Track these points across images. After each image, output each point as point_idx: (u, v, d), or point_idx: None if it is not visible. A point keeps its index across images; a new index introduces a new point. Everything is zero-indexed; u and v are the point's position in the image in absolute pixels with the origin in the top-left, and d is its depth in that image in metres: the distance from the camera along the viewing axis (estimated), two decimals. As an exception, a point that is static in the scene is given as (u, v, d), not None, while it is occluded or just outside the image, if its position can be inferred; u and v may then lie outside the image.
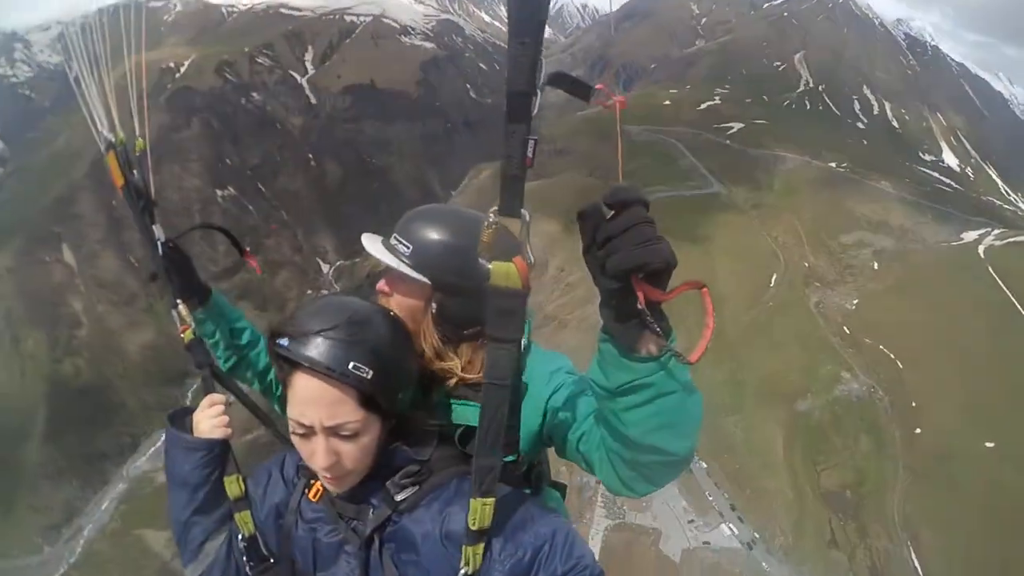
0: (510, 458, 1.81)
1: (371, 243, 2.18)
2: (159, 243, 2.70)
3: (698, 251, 71.79)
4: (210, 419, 2.22)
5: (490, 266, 1.43)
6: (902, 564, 45.33)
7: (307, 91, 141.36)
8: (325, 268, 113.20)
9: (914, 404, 53.93)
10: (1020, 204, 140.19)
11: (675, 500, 47.67)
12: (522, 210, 1.37)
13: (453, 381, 2.06)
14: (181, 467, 2.13)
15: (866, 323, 62.88)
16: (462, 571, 1.59)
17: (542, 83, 1.25)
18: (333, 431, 1.63)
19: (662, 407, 1.48)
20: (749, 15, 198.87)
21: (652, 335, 1.38)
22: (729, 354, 56.97)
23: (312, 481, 1.90)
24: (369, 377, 1.60)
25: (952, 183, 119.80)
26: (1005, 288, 65.15)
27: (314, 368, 1.58)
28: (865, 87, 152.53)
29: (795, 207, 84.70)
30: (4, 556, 63.86)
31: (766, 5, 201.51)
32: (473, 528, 1.56)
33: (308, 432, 1.65)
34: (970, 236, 79.34)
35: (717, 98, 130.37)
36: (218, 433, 2.19)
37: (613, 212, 1.30)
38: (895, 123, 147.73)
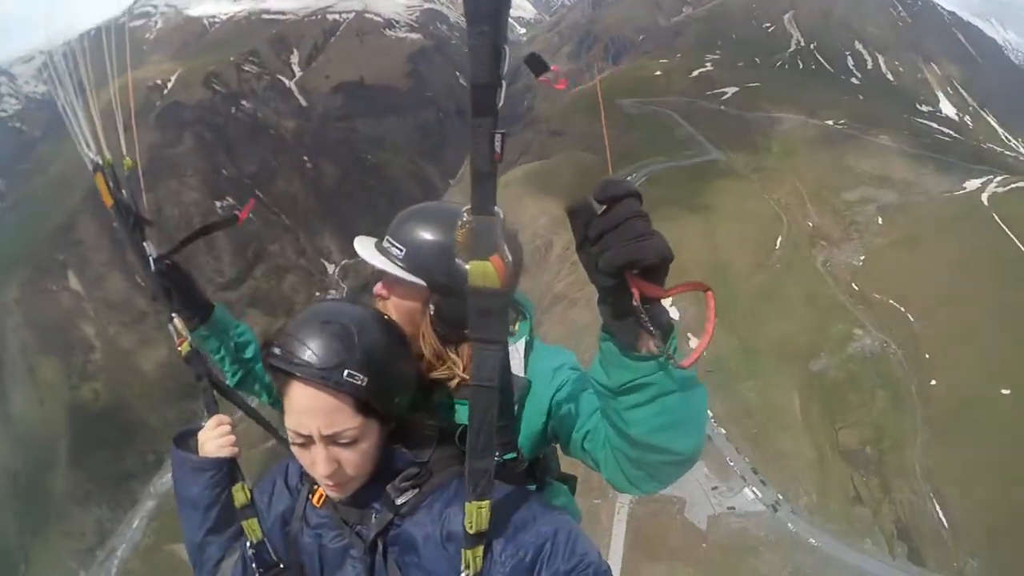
0: (510, 456, 1.81)
1: (364, 247, 2.14)
2: (151, 259, 2.71)
3: (700, 219, 71.69)
4: (216, 439, 2.21)
5: (467, 267, 1.40)
6: (927, 516, 45.40)
7: (296, 94, 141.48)
8: (330, 268, 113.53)
9: (928, 356, 53.83)
10: (1021, 150, 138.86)
11: (697, 468, 47.11)
12: (495, 207, 1.34)
13: (455, 382, 2.04)
14: (190, 489, 2.13)
15: (874, 279, 62.73)
16: (463, 574, 1.57)
17: (505, 72, 1.19)
18: (332, 439, 1.62)
19: (664, 406, 1.45)
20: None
21: (647, 333, 1.35)
22: (740, 319, 56.93)
23: (315, 487, 1.87)
24: (364, 384, 1.58)
25: (951, 133, 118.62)
26: (1011, 234, 64.75)
27: (308, 377, 1.56)
28: (857, 42, 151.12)
29: (795, 168, 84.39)
30: (42, 584, 64.93)
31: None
32: (470, 532, 1.54)
33: (307, 441, 1.64)
34: (973, 185, 78.79)
35: (708, 64, 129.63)
36: (225, 452, 2.18)
37: (604, 207, 1.26)
38: (890, 76, 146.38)
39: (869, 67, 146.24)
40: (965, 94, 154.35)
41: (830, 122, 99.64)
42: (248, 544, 1.99)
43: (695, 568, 43.31)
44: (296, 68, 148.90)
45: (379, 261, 2.05)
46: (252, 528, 1.99)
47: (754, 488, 47.68)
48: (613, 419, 1.59)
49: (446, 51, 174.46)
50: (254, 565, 1.96)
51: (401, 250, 2.01)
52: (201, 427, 2.30)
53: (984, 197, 73.58)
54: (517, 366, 2.08)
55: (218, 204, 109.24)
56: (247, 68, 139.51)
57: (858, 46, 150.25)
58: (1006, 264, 60.78)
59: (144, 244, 2.71)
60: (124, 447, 77.46)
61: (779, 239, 70.54)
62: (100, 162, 2.63)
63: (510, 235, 1.98)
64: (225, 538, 2.10)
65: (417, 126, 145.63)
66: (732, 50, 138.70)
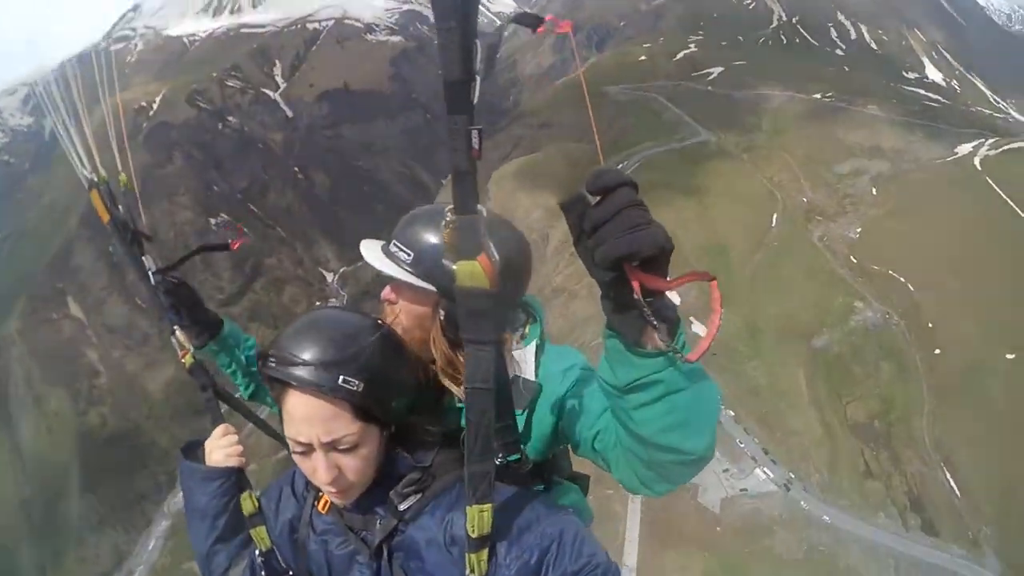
0: (513, 457, 1.79)
1: (370, 252, 2.11)
2: (151, 273, 2.73)
3: (695, 202, 71.64)
4: (223, 448, 2.24)
5: (455, 267, 1.38)
6: (939, 486, 45.54)
7: (282, 105, 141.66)
8: (329, 277, 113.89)
9: (930, 325, 53.80)
10: (1011, 111, 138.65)
11: (708, 451, 47.77)
12: (479, 206, 1.32)
13: (458, 379, 1.98)
14: (198, 498, 2.14)
15: (872, 250, 62.67)
16: None
17: (480, 67, 1.17)
18: (331, 446, 1.62)
19: (673, 404, 1.41)
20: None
21: (651, 328, 1.30)
22: (741, 299, 56.88)
23: (320, 494, 1.88)
24: (359, 389, 1.58)
25: (939, 98, 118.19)
26: (1006, 197, 64.59)
27: (304, 385, 1.56)
28: (839, 13, 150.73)
29: (786, 144, 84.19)
30: (62, 612, 65.15)
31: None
32: (473, 536, 1.53)
33: (307, 449, 1.64)
34: (964, 149, 78.41)
35: (692, 46, 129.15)
36: (232, 461, 2.20)
37: (599, 198, 1.22)
38: (874, 45, 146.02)
39: (853, 37, 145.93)
40: (950, 58, 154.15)
41: (817, 96, 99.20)
42: (257, 552, 2.00)
43: (711, 552, 43.45)
44: (279, 80, 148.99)
45: (386, 266, 2.02)
46: (261, 536, 2.00)
47: (765, 468, 47.78)
48: (622, 419, 1.56)
49: (428, 52, 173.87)
50: (263, 573, 1.98)
51: (409, 254, 1.98)
52: (206, 438, 2.34)
53: (976, 161, 73.35)
54: (529, 370, 2.07)
55: (212, 221, 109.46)
56: (230, 83, 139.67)
57: (840, 17, 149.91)
58: (1003, 227, 60.65)
59: (143, 259, 2.74)
60: (135, 470, 77.67)
61: (775, 217, 70.46)
62: (95, 179, 2.65)
63: (516, 235, 2.15)
64: (233, 546, 2.11)
65: (405, 129, 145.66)
66: (714, 30, 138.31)
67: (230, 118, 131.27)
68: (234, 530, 2.10)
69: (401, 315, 2.06)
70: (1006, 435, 45.31)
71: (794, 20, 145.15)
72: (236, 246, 3.15)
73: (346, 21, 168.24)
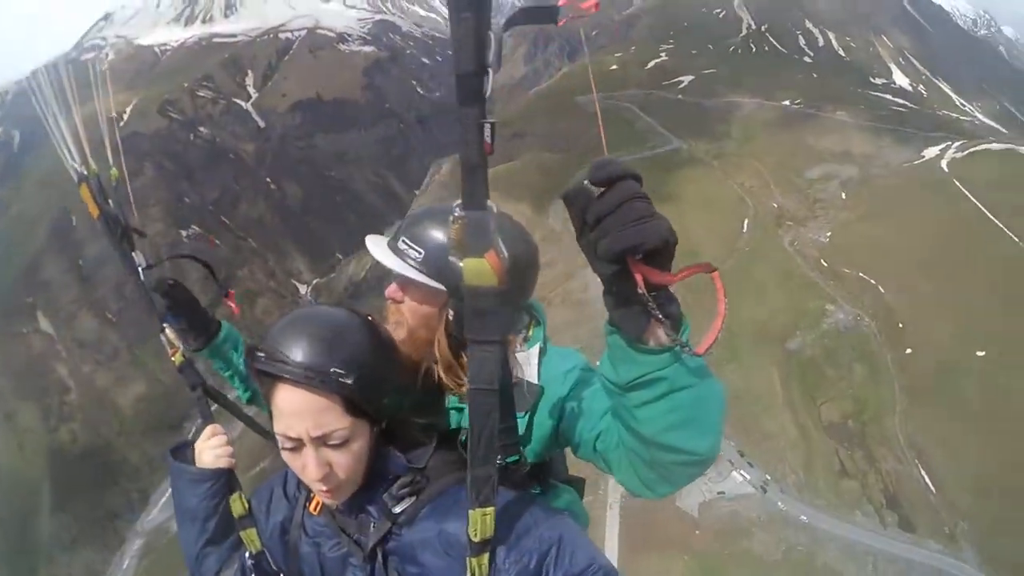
0: (512, 459, 1.78)
1: (379, 249, 2.06)
2: (140, 269, 2.71)
3: (668, 209, 71.03)
4: (212, 449, 2.20)
5: (461, 264, 1.35)
6: (914, 483, 45.98)
7: (254, 116, 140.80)
8: (302, 289, 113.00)
9: (901, 325, 54.47)
10: (976, 114, 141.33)
11: (685, 456, 47.97)
12: (488, 202, 1.29)
13: (466, 387, 1.86)
14: (188, 500, 2.12)
15: (842, 254, 63.40)
16: None
17: (493, 60, 1.14)
18: (321, 440, 1.59)
19: (677, 403, 1.39)
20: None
21: (657, 322, 1.29)
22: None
23: (312, 495, 1.85)
24: (351, 381, 1.55)
25: (906, 103, 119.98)
26: (972, 198, 65.64)
27: (294, 378, 1.54)
28: (807, 21, 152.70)
29: (756, 151, 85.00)
30: (34, 635, 63.95)
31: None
32: (475, 540, 1.49)
33: (297, 445, 1.61)
34: (932, 152, 79.61)
35: (663, 55, 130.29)
36: (222, 463, 2.16)
37: (602, 190, 1.21)
38: (842, 52, 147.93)
39: (821, 45, 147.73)
40: (917, 63, 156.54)
41: (786, 102, 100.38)
42: (247, 554, 1.96)
43: (690, 555, 43.51)
44: (251, 90, 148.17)
45: (396, 264, 1.98)
46: (251, 538, 1.97)
47: (742, 471, 47.95)
48: (624, 418, 1.53)
49: (401, 61, 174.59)
50: (254, 575, 1.94)
51: (419, 252, 1.94)
52: (195, 439, 2.29)
53: (944, 164, 74.45)
54: (532, 372, 2.05)
55: (184, 233, 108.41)
56: (202, 94, 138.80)
57: (808, 25, 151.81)
58: (971, 227, 61.58)
59: (133, 255, 2.71)
60: (107, 487, 76.37)
61: (746, 222, 71.03)
62: (85, 173, 2.60)
63: (523, 234, 2.13)
64: (224, 549, 2.08)
65: (378, 139, 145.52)
66: (685, 38, 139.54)
67: (201, 128, 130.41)
68: (224, 532, 2.08)
69: (407, 314, 2.03)
70: (979, 431, 45.92)
71: (763, 28, 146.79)
72: (229, 300, 3.32)
73: (318, 31, 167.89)
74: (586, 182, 1.24)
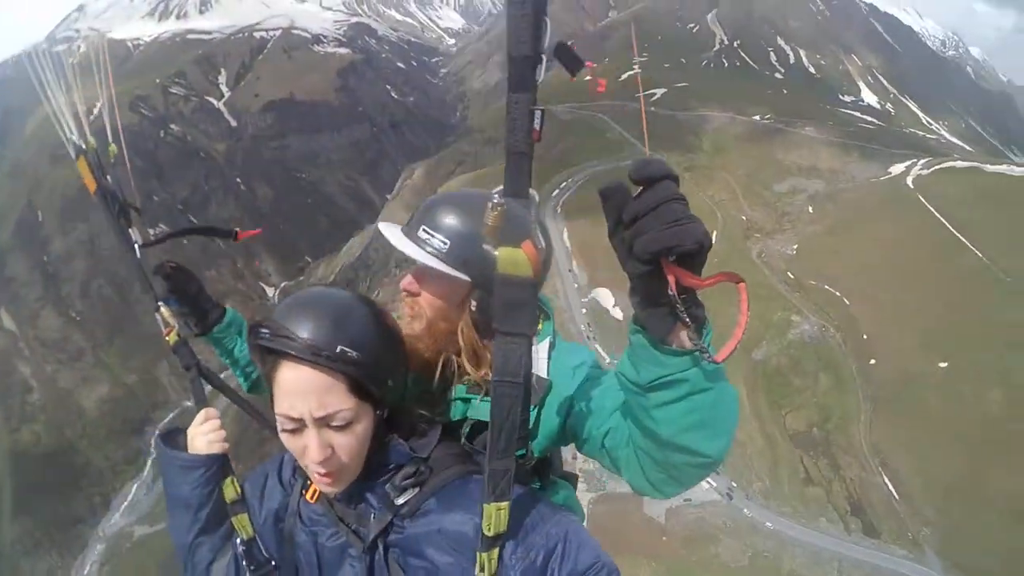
0: (520, 453, 1.69)
1: (399, 239, 1.95)
2: (136, 247, 2.60)
3: (638, 219, 72.62)
4: (205, 435, 2.07)
5: (496, 253, 1.31)
6: (878, 489, 46.86)
7: (226, 115, 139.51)
8: (270, 291, 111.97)
9: (865, 336, 55.37)
10: (942, 132, 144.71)
11: (652, 463, 48.26)
12: (530, 190, 1.26)
13: (482, 372, 1.92)
14: (180, 488, 2.00)
15: (808, 266, 64.31)
16: None
17: (547, 47, 1.12)
18: (324, 422, 1.52)
19: (696, 405, 1.35)
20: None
21: (683, 325, 1.25)
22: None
23: (309, 482, 1.79)
24: (357, 360, 1.50)
25: (874, 120, 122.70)
26: (936, 213, 67.03)
27: (300, 355, 1.47)
28: (779, 38, 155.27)
29: (726, 164, 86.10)
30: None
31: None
32: (488, 534, 1.46)
33: (298, 426, 1.53)
34: (897, 169, 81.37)
35: (636, 66, 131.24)
36: (215, 448, 2.04)
37: (640, 189, 1.17)
38: (812, 69, 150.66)
39: (792, 61, 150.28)
40: (885, 82, 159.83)
41: (757, 117, 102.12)
42: (239, 541, 1.89)
43: (657, 561, 43.69)
44: (224, 88, 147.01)
45: (421, 255, 1.87)
46: (243, 524, 1.90)
47: (708, 478, 48.28)
48: (640, 417, 1.48)
49: (376, 65, 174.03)
50: (245, 563, 1.87)
51: (444, 242, 1.84)
52: (187, 424, 2.16)
53: (909, 180, 76.11)
54: (542, 367, 1.96)
55: (151, 232, 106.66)
56: (174, 91, 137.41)
57: (780, 41, 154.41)
58: (934, 242, 62.93)
59: (130, 231, 2.59)
60: (70, 490, 74.93)
61: (715, 234, 71.62)
62: (83, 146, 2.51)
63: (540, 225, 1.92)
64: (217, 538, 1.98)
65: (351, 141, 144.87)
66: (659, 51, 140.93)
67: (173, 126, 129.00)
68: (218, 522, 1.98)
69: (425, 306, 1.96)
70: (941, 439, 46.98)
71: (735, 44, 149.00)
72: (242, 237, 3.04)
73: (294, 31, 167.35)
74: (623, 179, 1.22)
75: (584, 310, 60.05)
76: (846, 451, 48.89)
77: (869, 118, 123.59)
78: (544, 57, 1.13)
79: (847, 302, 58.94)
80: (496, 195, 1.31)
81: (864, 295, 58.56)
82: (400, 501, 1.63)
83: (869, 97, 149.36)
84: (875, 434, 49.08)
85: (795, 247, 68.65)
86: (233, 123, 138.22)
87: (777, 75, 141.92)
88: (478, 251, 1.78)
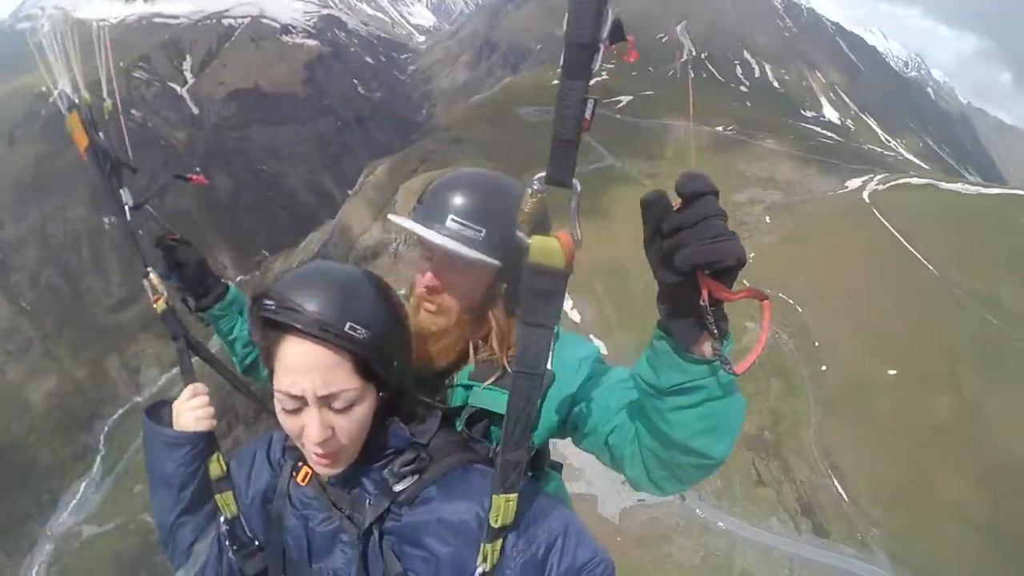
0: None
1: (431, 233, 1.86)
2: (127, 208, 2.51)
3: (600, 224, 72.87)
4: (192, 410, 2.01)
5: (529, 240, 1.29)
6: (827, 491, 47.68)
7: (189, 102, 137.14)
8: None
9: (817, 343, 56.28)
10: (900, 149, 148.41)
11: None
12: (573, 180, 1.23)
13: (508, 355, 1.91)
14: (164, 466, 1.93)
15: (763, 274, 64.98)
16: (479, 569, 1.49)
17: (607, 34, 1.10)
18: (326, 401, 1.48)
19: (710, 410, 1.40)
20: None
21: (709, 336, 1.29)
22: (638, 317, 58.09)
23: (300, 464, 1.75)
24: (366, 339, 1.45)
25: (834, 135, 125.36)
26: (890, 227, 68.64)
27: (307, 330, 1.42)
28: (745, 51, 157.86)
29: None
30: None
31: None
32: (495, 525, 1.47)
33: (299, 405, 1.49)
34: (854, 183, 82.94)
35: (604, 73, 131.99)
36: (203, 425, 1.99)
37: (682, 201, 1.18)
38: (776, 84, 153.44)
39: (757, 75, 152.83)
40: (847, 99, 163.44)
41: (720, 128, 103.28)
42: (223, 520, 1.86)
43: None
44: (188, 75, 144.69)
45: (462, 249, 1.83)
46: (227, 503, 1.86)
47: (663, 480, 48.80)
48: (654, 419, 1.51)
49: (344, 58, 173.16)
50: (228, 543, 1.84)
51: (479, 231, 1.83)
52: (174, 398, 2.11)
53: (865, 195, 77.64)
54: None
55: (105, 221, 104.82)
56: (137, 75, 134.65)
57: (747, 55, 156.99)
58: (886, 255, 64.43)
59: (121, 192, 2.49)
60: (16, 488, 71.91)
61: (672, 240, 72.61)
62: (76, 100, 2.44)
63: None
64: (201, 518, 1.94)
65: (315, 135, 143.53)
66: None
67: (134, 111, 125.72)
68: (202, 501, 1.93)
69: (452, 301, 1.92)
70: (889, 444, 48.17)
71: (703, 56, 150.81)
72: (195, 181, 3.04)
73: (263, 20, 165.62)
74: (663, 192, 1.24)
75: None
76: (796, 454, 49.71)
77: (829, 133, 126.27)
78: (602, 46, 1.10)
79: (800, 310, 59.86)
80: (536, 181, 1.27)
81: (817, 303, 59.56)
82: (398, 488, 1.60)
83: (830, 113, 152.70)
84: (825, 438, 50.02)
85: (751, 255, 69.41)
86: (195, 111, 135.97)
87: (742, 88, 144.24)
88: (511, 236, 1.61)
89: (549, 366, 1.75)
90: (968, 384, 51.69)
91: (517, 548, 1.51)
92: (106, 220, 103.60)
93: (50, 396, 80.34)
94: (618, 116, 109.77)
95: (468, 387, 1.92)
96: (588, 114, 1.16)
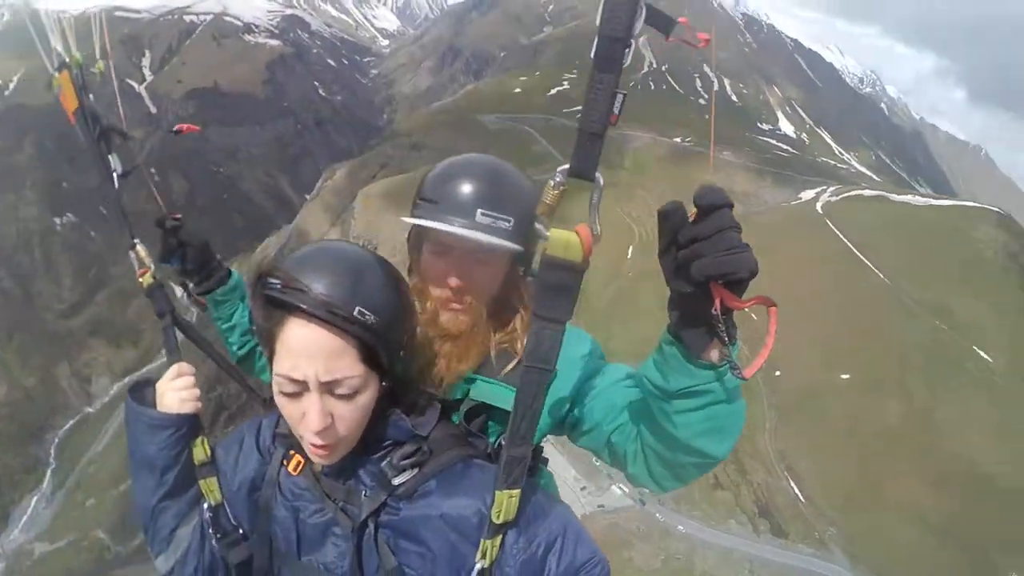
0: None
1: (468, 231, 1.75)
2: (115, 175, 2.36)
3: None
4: (177, 391, 1.87)
5: (548, 233, 1.29)
6: (783, 493, 48.92)
7: (146, 100, 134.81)
8: (179, 291, 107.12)
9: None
10: (852, 162, 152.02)
11: (565, 471, 48.35)
12: (597, 174, 1.23)
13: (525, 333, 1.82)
14: (146, 448, 1.81)
15: (718, 283, 66.34)
16: (478, 565, 1.45)
17: (640, 28, 1.11)
18: (329, 388, 1.40)
19: (714, 413, 1.41)
20: (595, 1, 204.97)
21: (719, 342, 1.31)
22: (599, 324, 58.43)
23: (291, 452, 1.67)
24: (374, 324, 1.39)
25: (789, 148, 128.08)
26: (843, 237, 70.43)
27: (314, 312, 1.34)
28: (705, 66, 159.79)
29: (646, 183, 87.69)
30: None
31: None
32: (497, 521, 1.43)
33: (299, 390, 1.41)
34: (808, 195, 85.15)
35: (566, 83, 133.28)
36: (187, 407, 1.85)
37: (698, 213, 1.19)
38: (734, 97, 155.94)
39: (716, 89, 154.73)
40: (803, 113, 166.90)
41: (678, 139, 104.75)
42: (206, 506, 1.78)
43: (573, 567, 44.22)
44: (147, 72, 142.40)
45: (498, 241, 1.75)
46: (210, 489, 1.78)
47: (620, 485, 48.91)
48: (660, 420, 1.51)
49: (306, 59, 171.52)
50: (211, 530, 1.77)
51: (508, 221, 1.77)
52: (158, 377, 1.95)
53: (819, 206, 79.75)
54: None
55: (57, 221, 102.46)
56: (93, 70, 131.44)
57: (706, 69, 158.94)
58: (839, 264, 66.38)
59: (110, 157, 2.33)
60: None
61: (631, 248, 73.18)
62: (67, 60, 2.25)
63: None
64: (183, 503, 1.83)
65: (273, 137, 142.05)
66: (588, 69, 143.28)
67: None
68: (185, 485, 1.82)
69: (476, 296, 1.86)
70: (843, 447, 49.62)
71: (663, 68, 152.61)
72: (185, 130, 2.90)
73: (226, 17, 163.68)
74: (681, 203, 1.24)
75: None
76: (752, 457, 50.60)
77: (784, 146, 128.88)
78: (633, 43, 1.11)
79: (755, 317, 60.20)
80: (559, 174, 1.27)
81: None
82: (397, 481, 1.54)
83: (786, 126, 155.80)
84: (780, 441, 51.11)
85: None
86: (153, 109, 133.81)
87: (701, 101, 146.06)
88: (528, 220, 1.70)
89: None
90: (919, 390, 53.66)
91: (517, 546, 1.47)
92: (57, 221, 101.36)
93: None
94: (577, 125, 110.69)
95: (470, 380, 1.87)
96: (617, 109, 1.16)
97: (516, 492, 1.43)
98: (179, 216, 2.55)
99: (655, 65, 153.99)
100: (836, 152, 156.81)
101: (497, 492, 1.42)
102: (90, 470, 73.21)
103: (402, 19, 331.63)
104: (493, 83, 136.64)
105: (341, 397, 1.42)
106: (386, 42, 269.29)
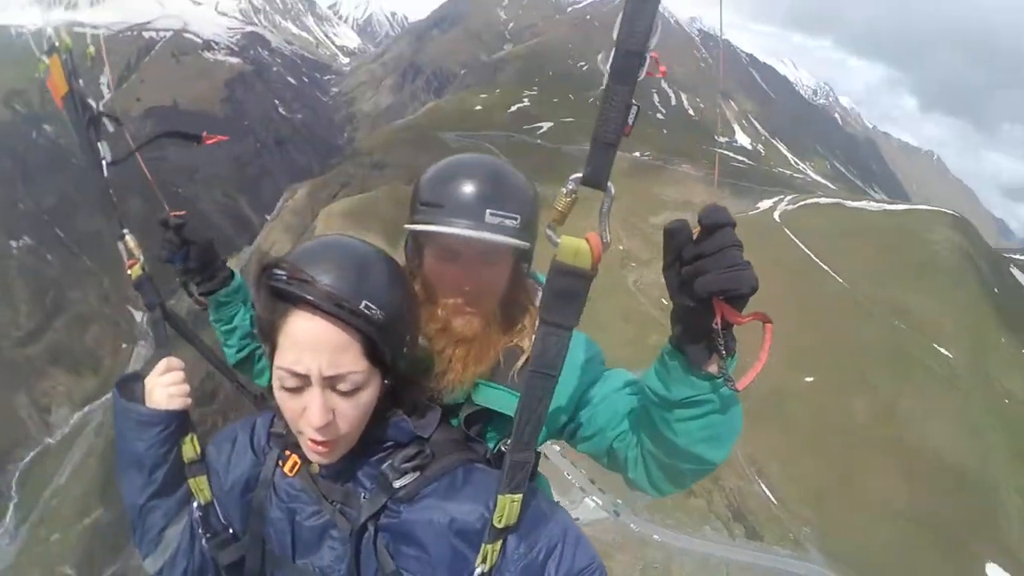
0: None
1: (476, 232, 1.71)
2: (104, 164, 2.30)
3: (520, 248, 73.99)
4: (166, 387, 1.80)
5: (559, 240, 1.30)
6: (756, 496, 49.54)
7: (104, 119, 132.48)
8: (138, 316, 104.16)
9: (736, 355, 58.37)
10: (808, 172, 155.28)
11: (537, 484, 48.62)
12: (609, 183, 1.24)
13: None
14: (134, 445, 1.76)
15: (682, 293, 67.30)
16: (478, 570, 1.44)
17: (654, 44, 1.13)
18: (331, 383, 1.38)
19: (713, 421, 1.45)
20: (555, 19, 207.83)
21: (718, 355, 1.34)
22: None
23: (287, 452, 1.64)
24: (380, 319, 1.36)
25: (746, 160, 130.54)
26: (801, 244, 72.01)
27: (319, 304, 1.32)
28: (663, 81, 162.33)
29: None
30: None
31: (570, 9, 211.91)
32: (498, 526, 1.42)
33: (301, 384, 1.38)
34: (766, 204, 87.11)
35: (526, 100, 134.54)
36: (176, 403, 1.79)
37: (701, 231, 1.22)
38: (691, 112, 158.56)
39: (673, 104, 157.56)
40: (759, 126, 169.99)
41: (638, 154, 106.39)
42: (196, 506, 1.75)
43: (550, 581, 44.09)
44: (105, 89, 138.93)
45: (502, 239, 1.72)
46: (200, 487, 1.74)
47: (594, 497, 48.86)
48: (660, 427, 1.55)
49: (266, 77, 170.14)
50: (200, 530, 1.74)
51: (515, 219, 1.74)
52: (146, 372, 1.87)
53: (776, 215, 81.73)
54: None
55: (13, 244, 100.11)
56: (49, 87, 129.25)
57: (664, 84, 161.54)
58: (798, 270, 67.87)
59: (99, 145, 2.27)
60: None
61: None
62: (57, 44, 2.17)
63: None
64: (173, 502, 1.78)
65: (232, 156, 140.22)
66: (548, 86, 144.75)
67: (46, 126, 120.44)
68: (175, 484, 1.77)
69: (486, 298, 1.85)
70: (811, 447, 50.70)
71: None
72: (209, 141, 2.69)
73: (185, 34, 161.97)
74: (686, 221, 1.28)
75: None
76: (724, 462, 51.14)
77: (741, 158, 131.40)
78: (648, 57, 1.13)
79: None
80: (572, 182, 1.28)
81: (733, 318, 61.82)
82: (399, 484, 1.51)
83: (742, 139, 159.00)
84: (749, 445, 51.73)
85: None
86: (110, 128, 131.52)
87: (659, 115, 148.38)
88: (531, 216, 1.77)
89: None
90: (883, 389, 55.22)
91: (519, 552, 1.46)
92: (13, 244, 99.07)
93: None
94: (539, 142, 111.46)
95: (490, 386, 1.85)
96: (631, 120, 1.18)
97: (518, 497, 1.42)
98: (183, 213, 2.50)
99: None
100: (792, 162, 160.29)
101: (500, 496, 1.41)
102: (53, 503, 71.19)
103: (363, 37, 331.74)
104: (454, 100, 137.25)
105: (343, 393, 1.39)
106: (347, 60, 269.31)
